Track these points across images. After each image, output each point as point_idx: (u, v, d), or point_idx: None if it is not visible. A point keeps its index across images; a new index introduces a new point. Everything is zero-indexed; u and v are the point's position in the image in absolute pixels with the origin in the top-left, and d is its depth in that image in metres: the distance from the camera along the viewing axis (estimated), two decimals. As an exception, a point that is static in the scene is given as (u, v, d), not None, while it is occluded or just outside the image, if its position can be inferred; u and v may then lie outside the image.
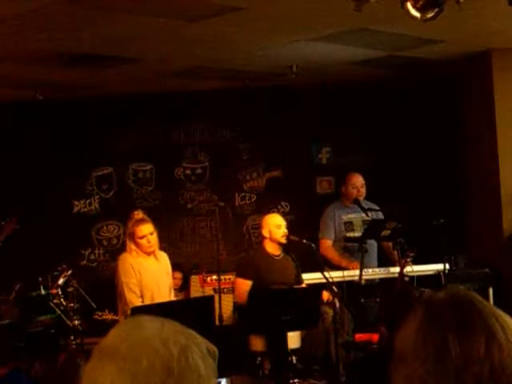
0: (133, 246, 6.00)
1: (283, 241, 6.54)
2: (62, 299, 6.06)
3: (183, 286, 7.71)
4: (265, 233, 6.61)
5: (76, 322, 5.92)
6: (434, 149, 8.36)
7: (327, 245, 7.23)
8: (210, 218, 8.55)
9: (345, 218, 7.35)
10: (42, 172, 8.34)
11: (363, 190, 7.37)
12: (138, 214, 6.11)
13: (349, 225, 7.35)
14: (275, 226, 6.57)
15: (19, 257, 7.66)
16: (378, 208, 7.39)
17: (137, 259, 6.00)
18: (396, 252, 6.97)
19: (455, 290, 1.45)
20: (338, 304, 6.26)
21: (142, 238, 5.98)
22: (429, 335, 1.38)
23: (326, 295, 6.38)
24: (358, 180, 7.38)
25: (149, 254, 6.06)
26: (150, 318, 1.28)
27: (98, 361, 1.22)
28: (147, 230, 6.00)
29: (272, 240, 6.58)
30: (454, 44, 7.02)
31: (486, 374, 1.31)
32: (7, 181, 8.18)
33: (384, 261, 7.38)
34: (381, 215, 7.34)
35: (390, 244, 7.12)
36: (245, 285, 6.41)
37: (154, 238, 6.04)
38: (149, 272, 6.03)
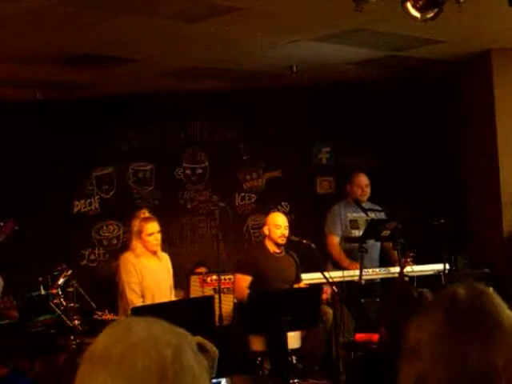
0: (139, 244, 6.03)
1: (280, 241, 6.56)
2: (61, 299, 6.05)
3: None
4: (265, 230, 6.66)
5: (76, 322, 5.91)
6: (434, 149, 8.36)
7: (335, 242, 7.27)
8: (210, 218, 8.55)
9: (350, 216, 7.41)
10: (42, 172, 8.34)
11: (368, 190, 7.41)
12: (145, 213, 6.18)
13: (354, 223, 7.39)
14: (274, 225, 6.60)
15: (19, 257, 7.65)
16: (380, 208, 7.42)
17: (139, 259, 6.03)
18: (396, 252, 6.98)
19: (476, 288, 1.41)
20: (337, 303, 6.27)
21: (150, 235, 6.05)
22: (454, 339, 1.36)
23: (325, 293, 6.37)
24: (363, 180, 7.43)
25: (153, 252, 6.11)
26: (138, 320, 1.27)
27: (90, 366, 1.20)
28: (155, 228, 6.09)
29: (270, 239, 6.61)
30: (454, 44, 7.02)
31: None
32: (7, 181, 8.17)
33: (385, 261, 7.38)
34: (383, 215, 7.36)
35: (390, 244, 7.14)
36: (244, 280, 6.44)
37: (160, 237, 6.12)
38: (150, 272, 6.05)
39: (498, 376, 1.30)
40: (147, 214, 6.19)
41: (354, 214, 7.42)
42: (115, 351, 1.19)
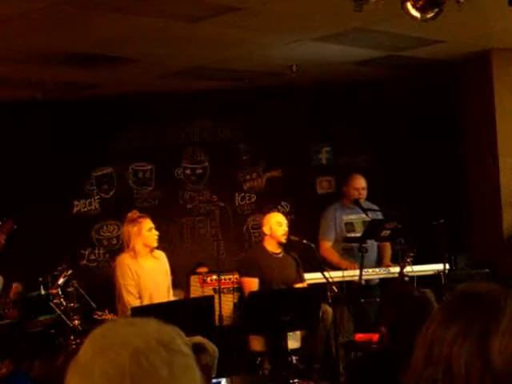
0: (139, 242, 6.02)
1: (283, 240, 6.55)
2: (61, 299, 6.05)
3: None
4: (266, 230, 6.63)
5: (76, 322, 5.91)
6: (434, 149, 8.36)
7: (326, 246, 7.22)
8: (210, 218, 8.56)
9: (345, 218, 7.35)
10: (41, 172, 8.33)
11: (364, 193, 7.36)
12: (136, 213, 6.19)
13: (350, 225, 7.35)
14: (276, 223, 6.60)
15: (19, 257, 7.64)
16: (377, 208, 7.39)
17: (135, 260, 6.02)
18: (388, 251, 7.04)
19: (493, 291, 1.38)
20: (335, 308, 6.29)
21: (149, 230, 6.08)
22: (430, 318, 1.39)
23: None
24: (360, 182, 7.37)
25: (152, 249, 6.11)
26: (118, 323, 1.28)
27: (69, 374, 1.24)
28: (152, 224, 6.13)
29: (272, 237, 6.60)
30: (454, 44, 7.02)
31: (443, 358, 1.30)
32: (7, 181, 8.17)
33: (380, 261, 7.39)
34: (380, 215, 7.34)
35: (386, 244, 7.19)
36: (253, 283, 6.43)
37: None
38: (147, 273, 6.04)
39: (433, 365, 1.30)
40: (138, 214, 6.22)
41: (350, 216, 7.37)
42: (82, 358, 1.23)
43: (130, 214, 6.19)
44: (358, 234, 7.16)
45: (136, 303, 5.89)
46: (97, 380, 1.18)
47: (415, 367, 1.34)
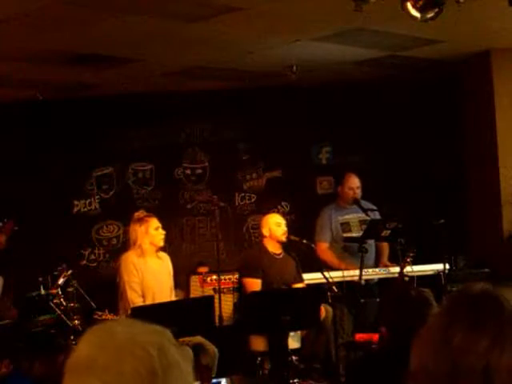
0: (147, 241, 6.05)
1: (283, 239, 6.56)
2: (61, 299, 6.05)
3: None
4: (265, 231, 6.62)
5: (76, 322, 5.92)
6: (434, 149, 8.37)
7: (323, 247, 7.20)
8: (210, 218, 8.55)
9: (341, 218, 7.32)
10: (42, 172, 8.34)
11: (359, 192, 7.33)
12: (143, 212, 6.22)
13: (346, 225, 7.33)
14: (275, 224, 6.60)
15: (19, 257, 7.65)
16: (375, 208, 7.38)
17: (140, 259, 6.04)
18: (386, 251, 7.02)
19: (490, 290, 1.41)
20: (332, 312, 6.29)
21: (156, 229, 6.11)
22: (440, 321, 1.37)
23: (322, 312, 6.32)
24: (355, 181, 7.35)
25: (158, 249, 6.13)
26: (116, 323, 1.27)
27: (76, 376, 1.18)
28: (159, 223, 6.16)
29: (272, 238, 6.59)
30: (454, 44, 7.02)
31: (479, 368, 1.29)
32: (7, 181, 8.17)
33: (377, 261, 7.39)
34: (377, 215, 7.33)
35: (384, 244, 7.19)
36: (256, 284, 6.41)
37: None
38: (151, 272, 6.06)
39: (476, 354, 1.29)
40: (145, 213, 6.24)
41: (346, 216, 7.34)
42: (101, 358, 1.17)
43: (136, 214, 6.24)
44: (355, 234, 7.16)
45: (139, 301, 5.91)
46: (128, 379, 1.16)
47: (437, 380, 1.32)
